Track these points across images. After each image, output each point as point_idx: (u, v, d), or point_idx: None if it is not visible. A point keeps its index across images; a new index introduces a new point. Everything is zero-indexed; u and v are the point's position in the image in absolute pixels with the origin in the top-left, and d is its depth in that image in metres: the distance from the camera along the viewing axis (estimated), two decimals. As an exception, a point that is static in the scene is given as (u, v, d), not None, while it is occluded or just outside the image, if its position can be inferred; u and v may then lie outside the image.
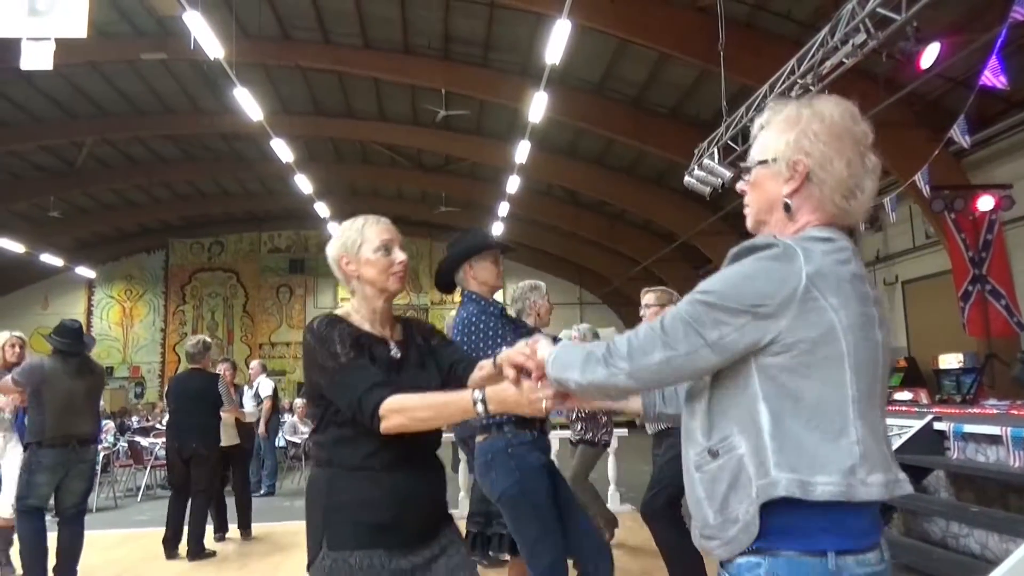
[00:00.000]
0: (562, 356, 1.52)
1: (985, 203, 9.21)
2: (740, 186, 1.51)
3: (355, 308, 2.00)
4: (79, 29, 7.01)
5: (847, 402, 1.29)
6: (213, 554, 6.07)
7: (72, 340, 4.94)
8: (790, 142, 1.39)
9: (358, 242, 1.96)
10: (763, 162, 1.44)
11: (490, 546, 3.84)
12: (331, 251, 2.01)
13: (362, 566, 1.80)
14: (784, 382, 1.29)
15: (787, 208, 1.41)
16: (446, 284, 3.11)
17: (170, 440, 6.35)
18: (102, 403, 14.70)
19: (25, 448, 4.85)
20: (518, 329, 3.05)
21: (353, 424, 1.83)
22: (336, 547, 1.81)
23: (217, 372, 6.68)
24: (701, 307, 1.31)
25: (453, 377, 2.02)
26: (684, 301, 1.36)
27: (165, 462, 7.41)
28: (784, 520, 1.27)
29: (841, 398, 1.29)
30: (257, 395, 9.29)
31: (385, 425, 1.76)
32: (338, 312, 2.01)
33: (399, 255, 1.96)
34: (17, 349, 5.21)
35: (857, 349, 1.29)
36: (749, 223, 1.51)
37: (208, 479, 6.22)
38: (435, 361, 2.03)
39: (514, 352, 1.71)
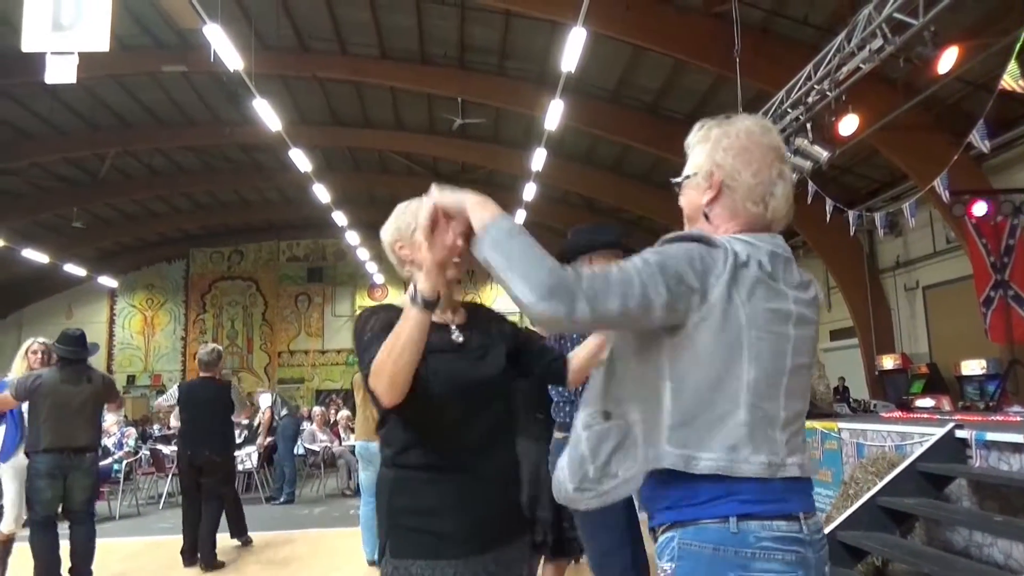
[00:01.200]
0: (503, 242, 1.39)
1: (1006, 208, 9.10)
2: (680, 201, 1.64)
3: None
4: (102, 43, 7.11)
5: (741, 387, 1.39)
6: (222, 564, 6.03)
7: (74, 347, 5.01)
8: (706, 157, 1.55)
9: (412, 226, 1.85)
10: (687, 177, 1.60)
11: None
12: (385, 236, 1.94)
13: None
14: (689, 363, 1.40)
15: (706, 217, 1.55)
16: None
17: (182, 448, 6.35)
18: (124, 411, 14.75)
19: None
20: None
21: (413, 422, 1.74)
22: (398, 555, 1.73)
23: (229, 380, 6.64)
24: (655, 268, 1.36)
25: (551, 372, 1.97)
26: (638, 260, 1.39)
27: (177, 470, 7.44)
28: (683, 493, 1.40)
29: (736, 383, 1.39)
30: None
31: (377, 391, 1.63)
32: (394, 302, 1.90)
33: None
34: (39, 355, 5.27)
35: (759, 341, 1.40)
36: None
37: (222, 485, 6.25)
38: (503, 347, 1.90)
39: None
